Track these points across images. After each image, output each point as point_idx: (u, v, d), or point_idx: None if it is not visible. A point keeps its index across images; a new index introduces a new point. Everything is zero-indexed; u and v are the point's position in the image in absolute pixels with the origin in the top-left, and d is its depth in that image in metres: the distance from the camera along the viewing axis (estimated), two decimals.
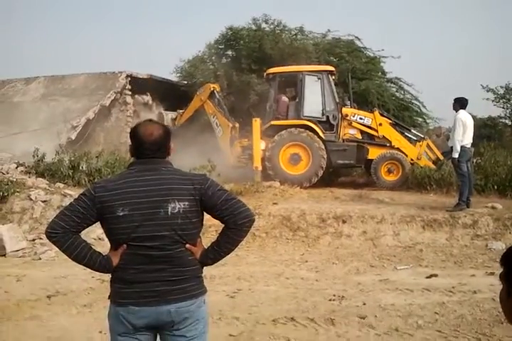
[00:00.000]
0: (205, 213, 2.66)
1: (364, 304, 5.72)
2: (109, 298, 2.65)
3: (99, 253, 2.62)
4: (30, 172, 10.38)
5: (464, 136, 8.93)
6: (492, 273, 6.67)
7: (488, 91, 18.53)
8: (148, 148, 2.60)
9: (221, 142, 13.32)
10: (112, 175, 2.60)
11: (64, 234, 2.51)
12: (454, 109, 9.20)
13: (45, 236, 7.52)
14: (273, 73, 13.05)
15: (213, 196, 2.57)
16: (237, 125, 13.52)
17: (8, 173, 10.16)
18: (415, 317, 5.23)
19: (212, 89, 13.87)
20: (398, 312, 5.40)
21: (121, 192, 2.52)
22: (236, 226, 2.59)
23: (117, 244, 2.57)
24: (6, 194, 9.23)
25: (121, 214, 2.49)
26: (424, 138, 12.78)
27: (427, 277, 6.75)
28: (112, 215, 2.50)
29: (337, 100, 12.88)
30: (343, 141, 12.59)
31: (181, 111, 14.70)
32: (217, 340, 4.58)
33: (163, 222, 2.51)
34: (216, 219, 2.64)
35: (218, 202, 2.56)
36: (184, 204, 2.54)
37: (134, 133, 2.66)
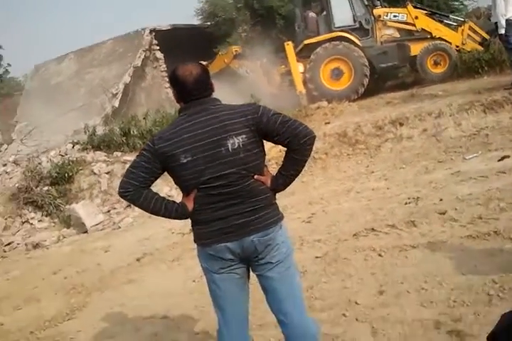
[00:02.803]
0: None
1: (441, 200, 5.63)
2: (194, 242, 2.73)
3: (173, 201, 2.70)
4: (86, 149, 10.61)
5: (507, 9, 8.38)
6: None
7: None
8: (192, 88, 2.57)
9: (257, 82, 13.01)
10: (167, 126, 2.65)
11: (135, 190, 2.59)
12: None
13: (119, 205, 7.79)
14: None
15: (269, 122, 2.54)
16: (264, 60, 13.16)
17: (66, 154, 10.45)
18: (496, 201, 5.11)
19: (235, 52, 13.51)
20: (477, 201, 5.28)
21: (179, 139, 2.53)
22: (299, 146, 2.56)
23: (188, 189, 2.62)
24: (71, 174, 9.54)
25: (184, 161, 2.52)
26: (464, 21, 12.03)
27: (499, 160, 6.52)
28: (176, 163, 2.54)
29: (366, 3, 12.22)
30: (382, 44, 12.08)
31: (205, 62, 14.45)
32: (304, 264, 4.68)
33: (226, 159, 2.52)
34: (277, 143, 2.64)
35: (275, 126, 2.54)
36: (242, 138, 2.53)
37: (173, 77, 2.63)
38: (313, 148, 2.72)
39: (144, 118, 11.34)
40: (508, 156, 6.54)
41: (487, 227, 4.57)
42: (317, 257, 4.92)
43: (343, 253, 4.85)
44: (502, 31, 8.46)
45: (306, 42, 12.14)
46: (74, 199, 9.30)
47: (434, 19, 12.01)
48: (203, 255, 2.70)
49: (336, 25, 12.04)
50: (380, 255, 4.61)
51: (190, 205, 2.62)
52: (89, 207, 8.71)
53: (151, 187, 2.67)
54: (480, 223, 4.73)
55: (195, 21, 17.76)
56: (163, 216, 2.71)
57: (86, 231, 8.43)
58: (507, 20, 8.38)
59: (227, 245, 2.59)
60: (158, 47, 15.73)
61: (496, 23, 8.61)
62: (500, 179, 5.82)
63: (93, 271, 6.29)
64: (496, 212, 4.89)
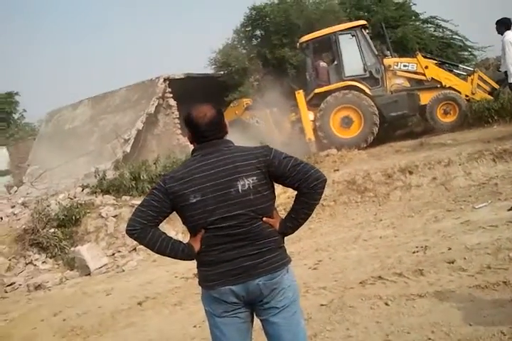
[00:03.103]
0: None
1: (449, 249, 5.53)
2: (199, 284, 2.69)
3: (180, 241, 2.68)
4: (96, 192, 10.69)
5: None
6: None
7: None
8: (205, 130, 2.61)
9: (267, 131, 13.15)
10: (179, 166, 2.69)
11: (142, 229, 2.57)
12: (498, 32, 8.71)
13: (124, 248, 7.71)
14: (306, 41, 12.81)
15: (280, 164, 2.55)
16: (275, 109, 13.36)
17: (75, 197, 10.52)
18: (505, 251, 5.01)
19: (246, 105, 13.83)
20: (486, 250, 5.18)
21: (190, 179, 2.54)
22: (309, 189, 2.56)
23: (196, 229, 2.60)
24: (78, 217, 9.58)
25: (194, 200, 2.52)
26: (474, 70, 12.23)
27: (509, 209, 6.41)
28: (186, 203, 2.54)
29: (376, 53, 12.51)
30: (392, 93, 12.23)
31: None
32: (309, 311, 4.58)
33: (235, 200, 2.52)
34: (287, 186, 2.63)
35: (287, 169, 2.55)
36: (253, 179, 2.53)
37: (188, 118, 2.66)
38: (323, 196, 2.71)
39: (155, 163, 11.44)
40: None
41: (496, 277, 4.47)
42: (322, 305, 4.83)
43: (349, 301, 4.75)
44: (511, 80, 8.50)
45: (317, 91, 12.34)
46: (79, 241, 9.28)
47: (443, 69, 12.22)
48: (206, 298, 2.65)
49: (346, 75, 12.26)
50: (386, 304, 4.52)
51: (197, 246, 2.60)
52: (94, 249, 8.70)
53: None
54: (489, 273, 4.64)
55: (209, 70, 18.20)
56: (169, 256, 2.68)
57: (89, 274, 8.40)
58: None
59: (232, 288, 2.55)
60: (171, 95, 16.04)
61: (505, 72, 8.68)
62: (510, 228, 5.72)
63: (93, 314, 6.22)
64: (506, 262, 4.79)
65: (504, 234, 5.54)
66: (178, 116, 15.96)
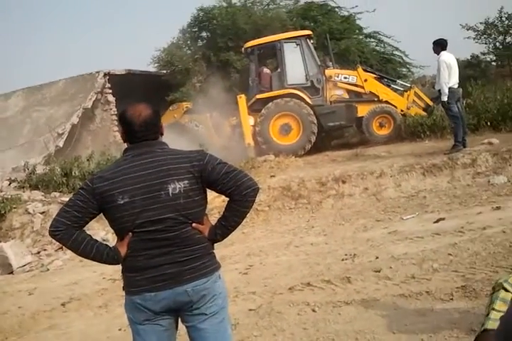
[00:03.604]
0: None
1: (377, 258, 5.69)
2: (123, 289, 2.60)
3: (106, 245, 2.58)
4: (23, 187, 10.30)
5: (449, 78, 8.82)
6: (498, 208, 6.66)
7: (468, 29, 18.30)
8: (139, 130, 2.52)
9: (206, 135, 13.10)
10: (109, 165, 2.58)
11: (67, 230, 2.46)
12: (435, 52, 9.06)
13: (50, 246, 7.43)
14: (251, 47, 12.85)
15: (213, 170, 2.49)
16: (214, 113, 13.37)
17: (1, 191, 10.08)
18: (430, 262, 5.20)
19: (185, 109, 13.76)
20: (412, 260, 5.36)
21: (119, 179, 2.46)
22: (241, 197, 2.51)
23: (123, 232, 2.52)
24: (3, 212, 9.17)
25: (121, 202, 2.44)
26: (411, 87, 12.67)
27: (435, 222, 6.69)
28: (113, 204, 2.45)
29: (319, 63, 12.71)
30: (331, 103, 12.46)
31: None
32: (237, 316, 4.58)
33: (165, 204, 2.45)
34: (219, 193, 2.59)
35: (219, 175, 2.49)
36: (184, 183, 2.47)
37: (122, 116, 2.58)
38: (257, 200, 2.70)
39: (88, 159, 11.16)
40: (444, 219, 6.73)
41: (419, 287, 4.63)
42: (251, 310, 4.84)
43: (277, 306, 4.78)
44: (445, 98, 8.85)
45: (259, 96, 12.41)
46: (3, 238, 8.89)
47: (382, 83, 12.56)
48: (129, 304, 2.57)
49: (288, 83, 12.39)
50: (313, 310, 4.58)
51: (123, 250, 2.52)
52: (18, 246, 8.34)
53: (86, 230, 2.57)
54: (413, 282, 4.79)
55: (151, 68, 17.96)
56: (93, 259, 2.58)
57: (12, 272, 8.04)
58: (449, 88, 8.79)
59: (158, 294, 2.48)
60: (110, 91, 15.70)
61: (439, 90, 9.01)
62: (435, 240, 5.95)
63: (13, 314, 5.96)
64: (429, 272, 4.97)
65: (429, 246, 5.75)
66: (115, 112, 15.61)
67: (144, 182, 2.46)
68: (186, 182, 2.48)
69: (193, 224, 2.53)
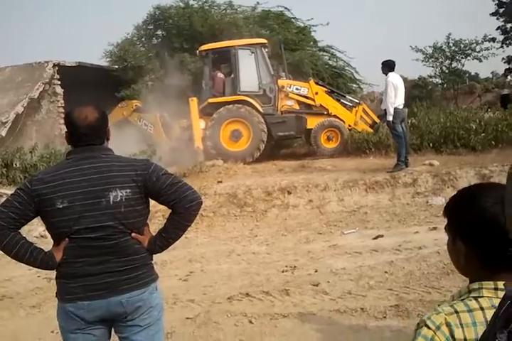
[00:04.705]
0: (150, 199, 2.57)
1: (316, 271, 5.82)
2: (56, 296, 2.55)
3: (41, 249, 2.50)
4: None
5: (395, 98, 9.09)
6: (435, 228, 6.91)
7: (417, 51, 18.94)
8: (84, 133, 2.46)
9: (156, 135, 13.11)
10: (50, 167, 2.51)
11: (1, 231, 2.38)
12: (383, 72, 9.33)
13: None
14: (205, 50, 12.87)
15: (158, 181, 2.46)
16: (165, 113, 13.30)
17: None
18: (366, 279, 5.37)
19: (134, 107, 13.68)
20: (349, 276, 5.52)
21: (60, 183, 2.39)
22: (183, 210, 2.48)
23: (60, 237, 2.45)
24: None
25: (60, 206, 2.38)
26: (359, 103, 12.98)
27: (374, 238, 6.91)
28: (52, 208, 2.38)
29: (272, 72, 12.86)
30: (282, 113, 12.65)
31: None
32: (174, 324, 4.55)
33: (105, 211, 2.40)
34: (162, 204, 2.56)
35: (163, 186, 2.46)
36: (126, 192, 2.42)
37: (68, 118, 2.52)
38: (202, 205, 2.70)
39: (31, 151, 10.85)
40: (382, 236, 6.96)
41: (355, 303, 4.75)
42: (188, 318, 4.82)
43: (215, 316, 4.79)
44: (390, 118, 9.11)
45: (211, 100, 12.44)
46: None
47: (332, 97, 12.84)
48: (61, 312, 2.51)
49: (241, 89, 12.49)
50: (250, 321, 4.62)
51: (58, 256, 2.46)
52: None
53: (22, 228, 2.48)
54: (349, 298, 4.92)
55: (103, 63, 17.63)
56: (26, 263, 2.51)
57: None
58: (395, 108, 9.06)
59: (92, 303, 2.44)
60: (59, 82, 15.31)
61: (385, 109, 9.28)
62: (373, 257, 6.14)
63: None
64: (365, 289, 5.12)
65: (367, 262, 5.93)
66: (63, 104, 15.24)
67: (85, 187, 2.41)
68: (129, 190, 2.44)
69: (132, 234, 2.50)
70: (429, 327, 1.24)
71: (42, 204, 2.40)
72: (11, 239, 2.40)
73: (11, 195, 2.48)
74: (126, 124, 12.90)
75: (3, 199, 8.68)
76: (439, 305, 1.31)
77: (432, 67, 19.06)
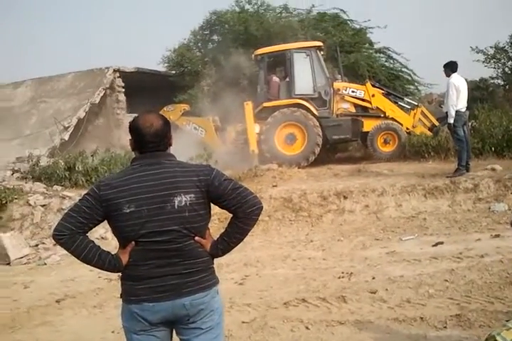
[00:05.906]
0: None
1: (373, 278, 5.72)
2: (120, 297, 2.62)
3: (108, 252, 2.58)
4: (26, 178, 10.34)
5: (457, 101, 8.83)
6: (497, 236, 6.68)
7: (478, 52, 18.33)
8: (149, 140, 2.54)
9: (208, 139, 13.18)
10: (116, 172, 2.61)
11: (71, 235, 2.47)
12: (446, 75, 9.08)
13: (49, 240, 7.40)
14: (261, 54, 12.91)
15: (220, 186, 2.52)
16: (216, 117, 13.40)
17: (4, 181, 10.11)
18: (426, 287, 5.23)
19: (182, 111, 13.80)
20: (408, 284, 5.40)
21: (127, 188, 2.47)
22: (245, 215, 2.55)
23: (126, 241, 2.52)
24: (4, 202, 9.19)
25: (127, 211, 2.45)
26: (417, 105, 12.72)
27: (433, 245, 6.73)
28: (119, 213, 2.46)
29: (327, 75, 12.77)
30: (337, 116, 12.53)
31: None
32: (231, 328, 4.59)
33: (170, 216, 2.47)
34: (223, 209, 2.61)
35: (225, 191, 2.52)
36: (191, 197, 2.49)
37: (133, 126, 2.59)
38: None
39: (92, 155, 11.19)
40: (442, 243, 6.76)
41: (414, 312, 4.65)
42: (244, 322, 4.85)
43: (271, 321, 4.79)
44: (451, 121, 8.87)
45: (266, 104, 12.46)
46: (2, 228, 8.89)
47: (389, 99, 12.61)
48: (126, 313, 2.57)
49: (296, 93, 12.45)
50: (307, 327, 4.60)
51: (124, 258, 2.53)
52: (16, 238, 8.31)
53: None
54: (408, 307, 4.81)
55: (161, 68, 18.01)
56: (94, 266, 2.59)
57: (9, 264, 8.05)
58: (457, 111, 8.81)
59: (157, 305, 2.49)
60: (123, 90, 15.76)
61: (446, 112, 9.05)
62: (433, 264, 5.98)
63: (7, 307, 5.94)
64: (425, 297, 5.00)
65: (426, 270, 5.79)
66: (124, 109, 15.72)
67: (151, 192, 2.47)
68: (192, 195, 2.50)
69: (196, 238, 2.55)
70: None
71: (109, 209, 2.47)
72: (80, 243, 2.49)
73: (80, 200, 2.55)
74: (173, 128, 13.07)
75: (66, 201, 9.04)
76: (508, 321, 1.26)
77: (494, 68, 18.43)
